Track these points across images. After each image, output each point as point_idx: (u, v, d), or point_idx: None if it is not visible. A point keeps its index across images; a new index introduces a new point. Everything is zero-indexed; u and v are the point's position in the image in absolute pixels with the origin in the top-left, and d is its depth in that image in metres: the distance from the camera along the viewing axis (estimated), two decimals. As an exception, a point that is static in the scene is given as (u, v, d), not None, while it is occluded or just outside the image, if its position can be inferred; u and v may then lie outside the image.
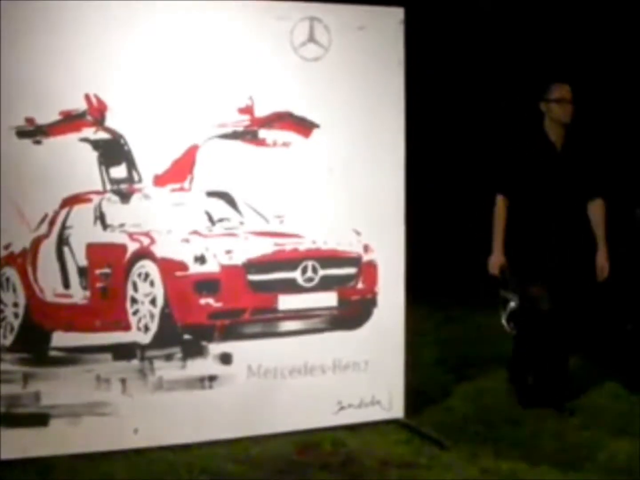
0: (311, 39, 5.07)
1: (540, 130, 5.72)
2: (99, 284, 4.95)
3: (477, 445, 5.17)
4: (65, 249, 4.95)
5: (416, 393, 5.73)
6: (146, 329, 5.01)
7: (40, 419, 4.81)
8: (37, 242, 4.88)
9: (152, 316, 5.00)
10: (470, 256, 10.56)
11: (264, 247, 5.15)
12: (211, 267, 5.03)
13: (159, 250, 4.99)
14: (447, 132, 11.95)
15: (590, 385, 6.32)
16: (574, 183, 5.64)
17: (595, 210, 5.78)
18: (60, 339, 4.93)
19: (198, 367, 5.08)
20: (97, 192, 4.90)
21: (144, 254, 4.99)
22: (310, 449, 5.09)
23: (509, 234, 5.70)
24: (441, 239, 11.34)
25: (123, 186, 4.93)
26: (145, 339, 5.01)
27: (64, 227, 4.93)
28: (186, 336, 5.05)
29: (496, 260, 5.76)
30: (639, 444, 5.12)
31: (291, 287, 5.21)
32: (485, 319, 8.33)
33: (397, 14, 5.28)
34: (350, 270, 5.35)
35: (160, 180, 4.97)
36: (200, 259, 5.01)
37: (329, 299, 5.30)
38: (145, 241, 4.99)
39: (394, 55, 5.29)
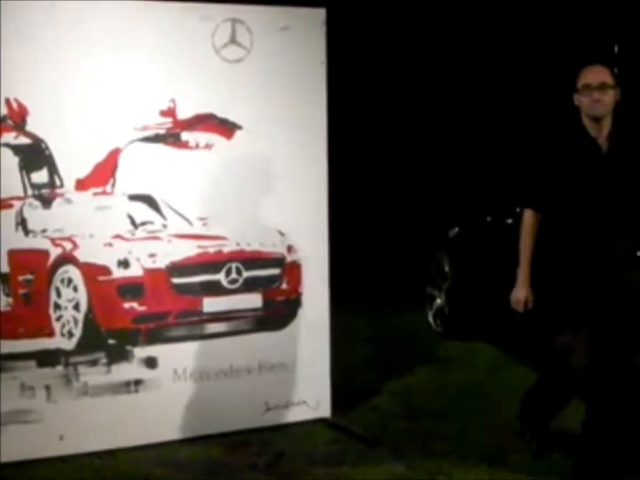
0: (233, 40, 5.27)
1: (578, 129, 4.81)
2: (21, 291, 5.08)
3: (404, 441, 5.45)
4: (-13, 256, 5.05)
5: (343, 392, 5.98)
6: (70, 334, 5.16)
7: (-36, 429, 4.93)
8: (-43, 249, 4.98)
9: (75, 322, 5.17)
10: (395, 255, 11.01)
11: (188, 250, 5.34)
12: (135, 271, 5.22)
13: (82, 255, 5.14)
14: (370, 132, 12.32)
15: (515, 377, 6.62)
16: (627, 192, 4.71)
17: None
18: (-17, 347, 5.04)
19: (123, 371, 5.25)
20: (18, 198, 5.02)
21: (66, 259, 5.14)
22: (238, 450, 5.30)
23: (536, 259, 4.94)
24: (366, 239, 11.70)
25: (45, 191, 5.06)
26: (69, 344, 5.16)
27: (-16, 233, 5.02)
28: (111, 341, 5.22)
29: (521, 295, 4.95)
30: (563, 438, 5.38)
31: (215, 289, 5.41)
32: (412, 316, 8.77)
33: (319, 14, 5.50)
34: (274, 271, 5.57)
35: (82, 185, 5.11)
36: (124, 263, 5.19)
37: (253, 300, 5.53)
38: (68, 246, 5.13)
39: (316, 56, 5.51)
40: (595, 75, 4.76)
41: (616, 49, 12.30)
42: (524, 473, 4.98)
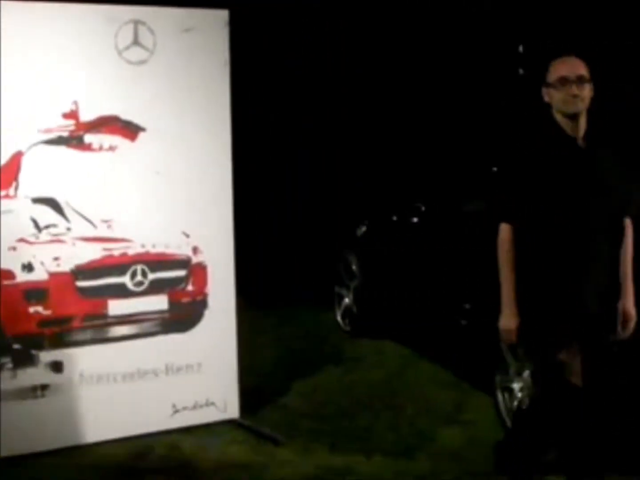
0: (136, 42, 5.32)
1: (554, 129, 4.35)
2: None
3: (312, 440, 5.57)
4: None
5: (252, 393, 6.08)
6: (-26, 340, 5.14)
7: None
8: None
9: (-20, 327, 5.15)
10: (304, 254, 11.15)
11: (92, 253, 5.37)
12: (39, 275, 5.23)
13: (-15, 260, 5.11)
14: (274, 131, 12.44)
15: (422, 375, 6.89)
16: (609, 196, 4.31)
17: (625, 236, 4.47)
18: None
19: (29, 376, 5.26)
20: None
21: (-30, 264, 5.11)
22: (146, 453, 5.36)
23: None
24: (274, 239, 11.82)
25: (-53, 195, 5.03)
26: (-26, 350, 5.15)
27: None
28: (16, 345, 5.21)
29: (511, 324, 4.33)
30: (469, 432, 5.68)
31: (121, 292, 5.46)
32: (321, 315, 8.92)
33: (222, 16, 5.58)
34: (180, 273, 5.63)
35: (-16, 189, 5.09)
36: (28, 267, 5.20)
37: (159, 302, 5.58)
38: (-29, 251, 5.10)
39: (219, 57, 5.58)
40: (572, 67, 4.32)
41: (521, 48, 12.62)
42: (430, 469, 5.15)
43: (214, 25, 5.60)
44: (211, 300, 5.73)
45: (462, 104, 12.63)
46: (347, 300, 8.47)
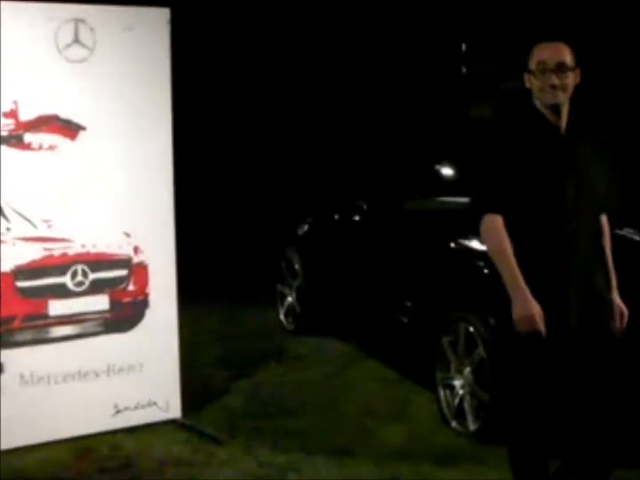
0: (76, 40, 5.31)
1: (536, 116, 4.11)
2: None
3: (254, 439, 5.61)
4: None
5: (194, 392, 6.13)
6: None
7: None
8: None
9: None
10: (247, 253, 11.19)
11: (33, 253, 5.35)
12: None
13: None
14: (216, 130, 12.47)
15: (365, 373, 6.97)
16: (589, 188, 4.11)
17: (603, 232, 4.30)
18: None
19: None
20: None
21: None
22: (88, 454, 5.36)
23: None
24: (216, 238, 11.85)
25: None
26: None
27: None
28: None
29: (533, 309, 3.89)
30: (411, 429, 5.75)
31: (62, 292, 5.44)
32: (264, 314, 8.97)
33: (163, 14, 5.59)
34: (121, 273, 5.63)
35: None
36: None
37: (100, 302, 5.58)
38: None
39: (161, 55, 5.59)
40: (553, 53, 4.03)
41: (464, 47, 12.77)
42: (372, 466, 5.21)
43: (155, 23, 5.61)
44: (152, 300, 5.73)
45: (404, 104, 12.76)
46: (289, 298, 8.52)
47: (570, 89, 4.06)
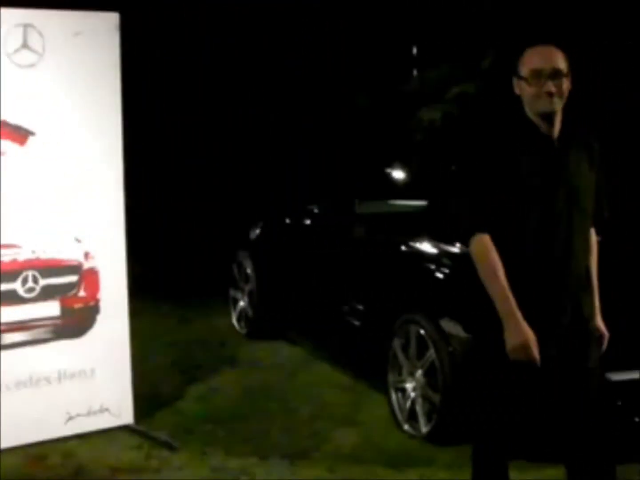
0: (25, 45, 5.27)
1: (526, 126, 3.89)
2: None
3: (207, 444, 5.62)
4: None
5: (147, 398, 6.13)
6: None
7: None
8: None
9: None
10: (200, 257, 11.20)
11: None
12: None
13: None
14: (167, 133, 12.46)
15: (318, 377, 7.01)
16: (581, 203, 3.89)
17: (591, 251, 4.05)
18: None
19: None
20: None
21: None
22: (40, 462, 5.32)
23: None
24: (169, 243, 11.85)
25: None
26: None
27: None
28: None
29: (528, 335, 3.67)
30: (364, 433, 5.79)
31: (12, 298, 5.40)
32: (217, 319, 8.99)
33: (112, 19, 5.57)
34: (72, 279, 5.60)
35: None
36: None
37: (51, 308, 5.55)
38: None
39: (110, 60, 5.58)
40: (548, 59, 3.81)
41: (415, 50, 12.85)
42: (325, 470, 5.25)
43: (105, 28, 5.60)
44: (103, 306, 5.71)
45: (352, 108, 12.81)
46: (242, 303, 8.53)
47: (565, 95, 3.85)
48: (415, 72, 12.94)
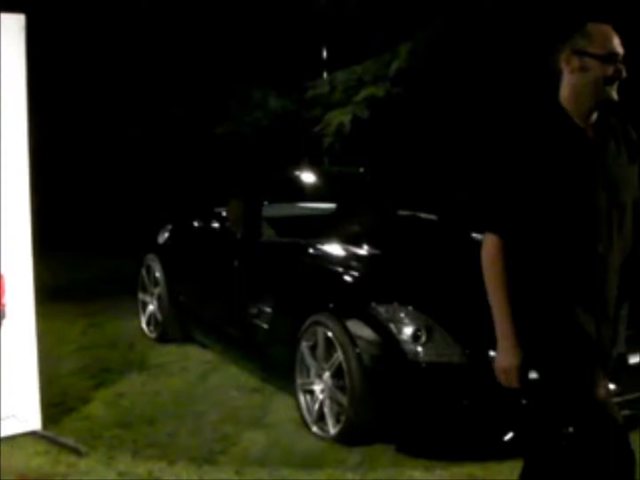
0: None
1: (560, 118, 3.44)
2: None
3: (115, 449, 5.59)
4: None
5: (55, 403, 6.13)
6: None
7: None
8: None
9: None
10: (109, 263, 11.15)
11: None
12: None
13: None
14: (74, 135, 12.38)
15: (226, 380, 7.01)
16: (622, 197, 3.49)
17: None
18: None
19: None
20: None
21: None
22: (-57, 469, 5.23)
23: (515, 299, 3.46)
24: (76, 246, 11.76)
25: None
26: None
27: None
28: None
29: (512, 361, 3.45)
30: (272, 436, 5.81)
31: None
32: (127, 322, 8.96)
33: (18, 20, 5.51)
34: (-24, 284, 5.51)
35: None
36: None
37: (-45, 314, 5.45)
38: None
39: (16, 61, 5.51)
40: (619, 41, 3.38)
41: (325, 53, 12.93)
42: (233, 474, 5.26)
43: (10, 29, 5.52)
44: (9, 310, 5.64)
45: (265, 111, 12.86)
46: (151, 307, 8.51)
47: None
48: (325, 74, 13.03)
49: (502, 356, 3.47)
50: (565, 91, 3.45)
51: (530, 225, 3.42)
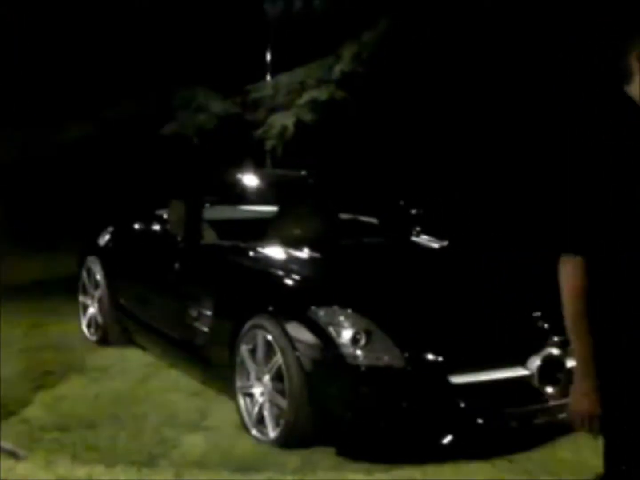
0: None
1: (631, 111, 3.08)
2: None
3: (54, 452, 5.53)
4: None
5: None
6: None
7: None
8: None
9: None
10: (54, 264, 11.08)
11: None
12: None
13: None
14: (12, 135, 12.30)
15: (167, 383, 7.00)
16: None
17: None
18: None
19: None
20: None
21: None
22: None
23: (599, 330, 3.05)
24: (17, 248, 11.67)
25: None
26: None
27: None
28: None
29: (592, 408, 3.09)
30: (212, 439, 5.79)
31: None
32: (68, 325, 8.90)
33: None
34: None
35: None
36: None
37: None
38: None
39: None
40: None
41: (268, 56, 12.96)
42: (172, 476, 5.24)
43: None
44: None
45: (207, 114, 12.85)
46: (92, 309, 8.46)
47: None
48: (268, 78, 13.04)
49: (579, 399, 3.12)
50: (637, 90, 3.10)
51: (616, 239, 2.98)
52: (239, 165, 9.72)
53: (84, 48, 13.37)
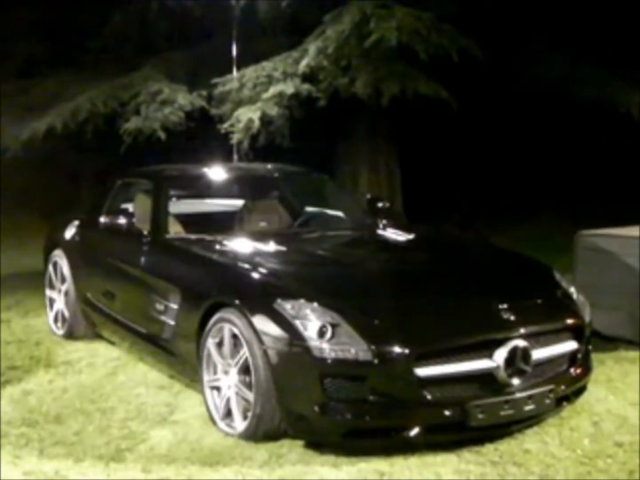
0: None
1: None
2: None
3: (21, 448, 5.52)
4: None
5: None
6: None
7: None
8: None
9: None
10: (20, 257, 10.99)
11: None
12: None
13: None
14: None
15: (134, 377, 6.97)
16: None
17: None
18: None
19: None
20: None
21: None
22: None
23: None
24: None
25: None
26: None
27: None
28: None
29: None
30: (180, 432, 5.77)
31: None
32: (35, 319, 8.84)
33: None
34: None
35: None
36: None
37: None
38: None
39: None
40: None
41: (234, 49, 12.91)
42: (140, 471, 5.22)
43: None
44: None
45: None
46: (58, 303, 8.39)
47: None
48: (234, 71, 12.97)
49: None
50: None
51: None
52: (206, 158, 9.70)
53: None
